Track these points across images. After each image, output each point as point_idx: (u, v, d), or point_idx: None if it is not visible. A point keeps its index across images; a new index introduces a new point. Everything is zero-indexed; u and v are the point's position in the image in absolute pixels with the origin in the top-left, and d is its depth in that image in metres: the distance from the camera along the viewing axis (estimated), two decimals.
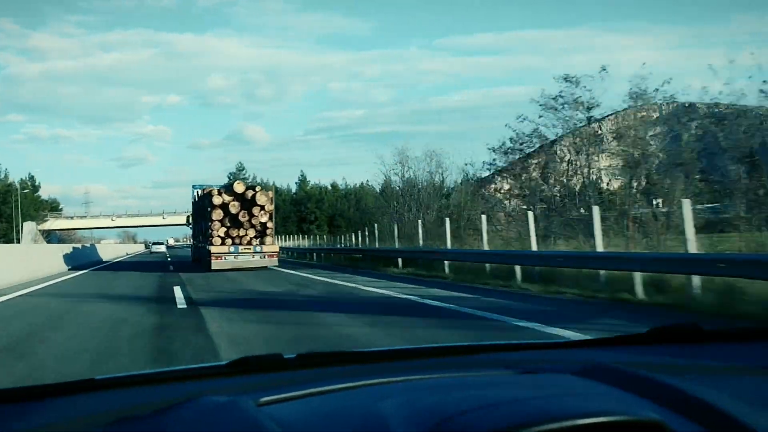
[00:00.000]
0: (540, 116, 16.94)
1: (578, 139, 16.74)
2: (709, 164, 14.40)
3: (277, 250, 20.51)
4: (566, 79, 16.22)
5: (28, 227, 66.43)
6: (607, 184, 17.83)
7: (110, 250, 43.93)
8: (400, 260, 17.20)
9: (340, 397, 0.95)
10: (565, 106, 16.34)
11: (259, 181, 63.38)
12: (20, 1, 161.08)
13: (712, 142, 13.78)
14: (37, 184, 78.09)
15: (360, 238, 25.12)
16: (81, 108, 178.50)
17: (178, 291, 11.57)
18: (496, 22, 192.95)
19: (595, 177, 16.88)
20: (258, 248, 19.44)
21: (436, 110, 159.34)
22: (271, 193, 20.76)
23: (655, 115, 16.02)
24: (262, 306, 9.17)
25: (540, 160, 18.13)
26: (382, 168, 30.32)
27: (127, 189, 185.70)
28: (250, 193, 19.77)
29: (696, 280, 7.94)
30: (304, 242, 42.01)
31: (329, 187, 71.85)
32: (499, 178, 21.82)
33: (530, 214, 12.10)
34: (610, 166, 16.90)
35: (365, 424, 0.82)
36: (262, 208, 19.73)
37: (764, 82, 11.96)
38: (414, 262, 16.83)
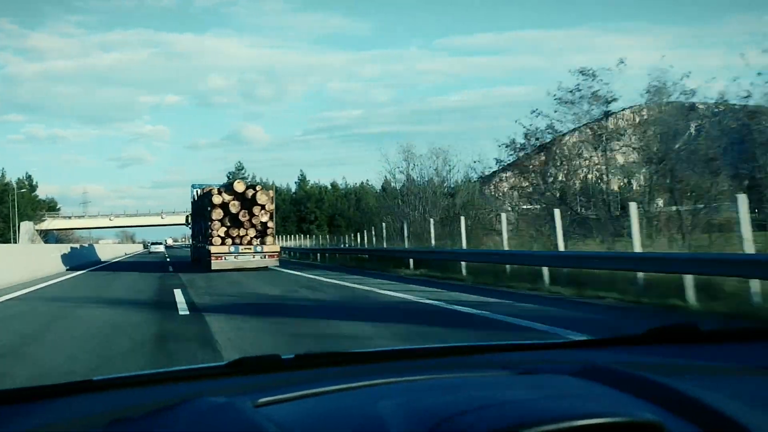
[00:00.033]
0: (555, 111, 16.17)
1: (596, 133, 15.96)
2: (739, 159, 13.58)
3: (278, 250, 20.01)
4: (582, 72, 15.39)
5: (26, 227, 65.24)
6: (626, 181, 17.01)
7: (109, 250, 43.09)
8: (411, 261, 16.25)
9: (338, 397, 0.93)
10: (582, 99, 15.58)
11: (258, 180, 62.37)
12: (19, 1, 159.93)
13: (746, 136, 12.96)
14: (34, 183, 76.85)
15: (365, 238, 24.07)
16: (80, 108, 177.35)
17: (179, 294, 10.68)
18: (495, 23, 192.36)
19: (612, 173, 16.07)
20: (258, 248, 18.92)
21: (436, 110, 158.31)
22: (271, 193, 20.15)
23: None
24: (272, 312, 8.19)
25: (555, 156, 17.36)
26: (386, 166, 29.53)
27: (125, 189, 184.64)
28: (250, 193, 19.20)
29: (756, 284, 7.09)
30: (305, 242, 41.05)
31: (329, 187, 70.96)
32: (511, 175, 21.03)
33: (557, 212, 11.22)
34: (626, 162, 16.11)
35: (363, 424, 0.81)
36: (263, 207, 19.18)
37: None
38: (425, 263, 15.87)
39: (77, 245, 34.93)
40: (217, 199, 18.88)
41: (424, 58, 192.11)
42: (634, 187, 16.40)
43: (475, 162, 26.75)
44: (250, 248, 18.84)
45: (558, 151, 17.20)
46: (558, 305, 8.14)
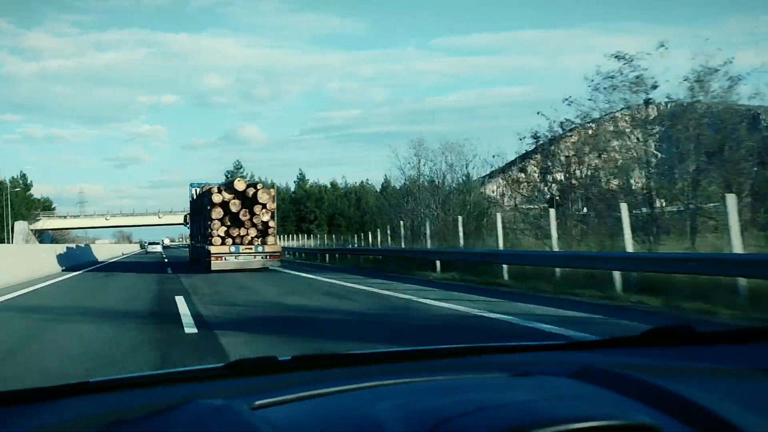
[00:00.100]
0: (589, 99, 14.52)
1: (636, 123, 14.29)
2: None
3: (280, 250, 19.01)
4: (617, 56, 13.77)
5: (20, 226, 62.70)
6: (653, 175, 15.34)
7: (105, 250, 41.29)
8: (438, 263, 14.27)
9: (335, 399, 0.91)
10: (623, 86, 13.91)
11: (257, 179, 60.39)
12: (15, 1, 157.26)
13: None
14: (29, 182, 74.22)
15: (378, 238, 21.87)
16: (76, 108, 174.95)
17: (181, 303, 8.87)
18: (492, 23, 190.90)
19: (650, 168, 14.35)
20: (260, 248, 17.92)
21: (433, 110, 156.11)
22: (273, 191, 19.03)
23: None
24: (301, 330, 6.27)
25: (590, 146, 15.68)
26: (396, 162, 27.74)
27: (122, 189, 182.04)
28: (251, 191, 18.07)
29: None
30: (309, 242, 39.29)
31: (329, 186, 68.93)
32: (535, 169, 19.34)
33: (623, 206, 9.50)
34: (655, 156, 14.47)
35: (361, 426, 0.79)
36: (264, 206, 18.07)
37: None
38: (452, 265, 14.10)
39: (73, 245, 33.23)
40: (217, 198, 17.86)
41: (422, 58, 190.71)
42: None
43: (494, 156, 24.83)
44: (251, 248, 17.92)
45: (594, 142, 15.55)
46: (663, 322, 6.35)
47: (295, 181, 69.83)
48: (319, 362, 1.21)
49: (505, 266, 11.54)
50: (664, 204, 14.10)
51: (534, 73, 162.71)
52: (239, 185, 18.26)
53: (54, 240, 68.43)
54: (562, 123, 15.61)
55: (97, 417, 0.89)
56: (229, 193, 18.06)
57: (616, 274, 8.71)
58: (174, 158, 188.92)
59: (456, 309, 7.58)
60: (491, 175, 23.81)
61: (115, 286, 13.61)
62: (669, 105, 15.17)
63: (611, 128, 15.57)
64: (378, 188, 55.57)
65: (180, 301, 9.22)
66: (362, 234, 27.37)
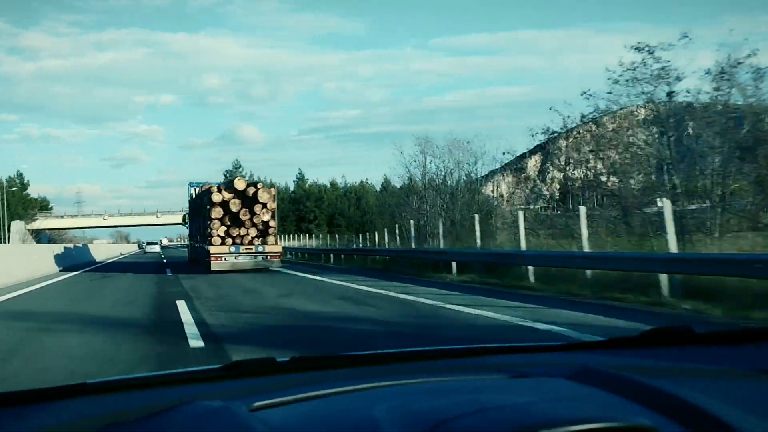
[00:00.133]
0: (608, 92, 13.74)
1: (659, 117, 13.52)
2: None
3: (281, 250, 18.48)
4: (638, 48, 13.00)
5: (16, 226, 61.44)
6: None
7: (103, 250, 40.42)
8: (453, 264, 13.30)
9: (333, 401, 0.90)
10: (644, 78, 13.12)
11: (256, 179, 59.41)
12: (13, 0, 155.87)
13: None
14: (26, 181, 73.00)
15: (385, 238, 20.84)
16: (74, 107, 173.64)
17: (184, 310, 7.99)
18: (491, 23, 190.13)
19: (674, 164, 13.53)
20: (260, 248, 17.40)
21: (432, 110, 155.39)
22: (273, 190, 18.53)
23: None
24: (327, 345, 5.32)
25: (609, 141, 14.89)
26: (401, 160, 26.88)
27: (120, 189, 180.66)
28: (251, 190, 17.51)
29: None
30: (311, 242, 38.38)
31: (328, 186, 67.94)
32: (549, 167, 18.54)
33: (666, 202, 8.66)
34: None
35: (359, 428, 0.78)
36: (264, 206, 17.52)
37: None
38: (469, 266, 13.18)
39: (71, 245, 32.51)
40: (216, 197, 17.31)
41: (421, 58, 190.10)
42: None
43: (504, 154, 23.79)
44: (251, 248, 17.42)
45: (619, 134, 14.77)
46: None
47: (294, 181, 68.92)
48: (318, 363, 1.21)
49: (530, 268, 10.68)
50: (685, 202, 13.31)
51: (533, 73, 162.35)
52: (239, 184, 17.71)
53: (51, 240, 67.33)
54: (583, 115, 14.81)
55: (94, 418, 0.87)
56: (229, 193, 17.53)
57: (663, 277, 7.86)
58: (171, 158, 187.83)
59: (494, 317, 6.66)
60: (503, 171, 23.03)
61: (112, 288, 12.77)
62: (694, 99, 14.33)
63: (630, 122, 14.83)
64: (378, 188, 54.70)
65: (182, 306, 8.36)
66: (367, 234, 26.52)
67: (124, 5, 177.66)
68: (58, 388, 1.00)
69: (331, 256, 24.48)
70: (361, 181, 67.79)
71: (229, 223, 17.54)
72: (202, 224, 19.04)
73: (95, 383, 1.04)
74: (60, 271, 19.14)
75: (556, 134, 16.35)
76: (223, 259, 17.00)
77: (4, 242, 49.03)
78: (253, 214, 17.52)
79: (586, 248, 9.95)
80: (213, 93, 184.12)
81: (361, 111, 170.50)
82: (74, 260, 24.08)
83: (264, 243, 17.60)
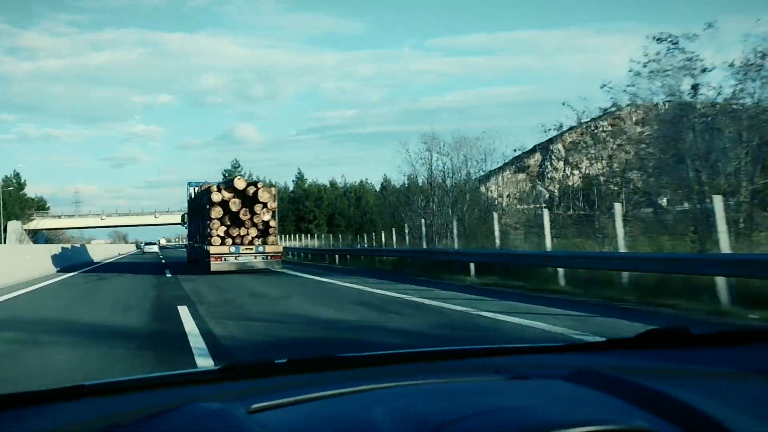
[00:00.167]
0: (629, 85, 12.99)
1: (683, 111, 12.72)
2: None
3: (281, 250, 18.07)
4: (659, 39, 12.26)
5: (13, 226, 60.32)
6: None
7: (101, 250, 39.65)
8: (472, 266, 12.41)
9: (331, 403, 0.88)
10: (669, 70, 12.36)
11: (255, 179, 58.52)
12: (12, 0, 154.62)
13: None
14: (22, 181, 71.81)
15: (393, 238, 19.96)
16: (72, 107, 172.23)
17: (186, 317, 7.17)
18: (489, 23, 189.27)
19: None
20: (260, 248, 16.99)
21: (430, 110, 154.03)
22: (273, 190, 18.04)
23: None
24: None
25: (636, 137, 14.13)
26: (406, 157, 25.99)
27: (118, 189, 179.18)
28: (251, 190, 17.04)
29: None
30: (312, 242, 37.56)
31: (328, 185, 67.05)
32: (568, 168, 17.77)
33: (717, 198, 7.85)
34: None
35: (358, 430, 0.77)
36: (265, 205, 17.06)
37: None
38: (489, 267, 12.39)
39: (68, 245, 31.80)
40: (216, 197, 16.85)
41: (419, 58, 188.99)
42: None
43: (515, 150, 22.93)
44: (251, 248, 16.92)
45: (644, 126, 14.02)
46: None
47: (293, 181, 68.11)
48: (316, 365, 1.21)
49: (560, 270, 9.85)
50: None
51: (532, 73, 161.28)
52: (239, 184, 17.22)
53: (48, 240, 66.31)
54: (606, 109, 14.05)
55: (92, 421, 0.86)
56: (229, 192, 17.06)
57: (720, 281, 7.04)
58: (170, 158, 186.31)
59: (543, 328, 5.79)
60: (515, 169, 22.17)
61: (110, 290, 11.97)
62: (716, 94, 13.52)
63: (652, 116, 14.07)
64: (377, 187, 53.86)
65: (184, 312, 7.55)
66: (366, 234, 25.68)
67: (122, 5, 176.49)
68: (56, 390, 0.98)
69: (337, 256, 23.62)
70: (361, 181, 67.02)
71: (229, 223, 17.06)
72: (201, 224, 18.52)
73: (93, 385, 1.02)
74: (57, 271, 18.64)
75: (571, 129, 15.57)
76: (223, 259, 16.59)
77: (1, 242, 48.02)
78: (253, 213, 17.04)
79: (622, 249, 9.13)
80: (211, 93, 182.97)
81: (360, 111, 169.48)
82: (71, 261, 23.63)
83: (264, 243, 17.15)
